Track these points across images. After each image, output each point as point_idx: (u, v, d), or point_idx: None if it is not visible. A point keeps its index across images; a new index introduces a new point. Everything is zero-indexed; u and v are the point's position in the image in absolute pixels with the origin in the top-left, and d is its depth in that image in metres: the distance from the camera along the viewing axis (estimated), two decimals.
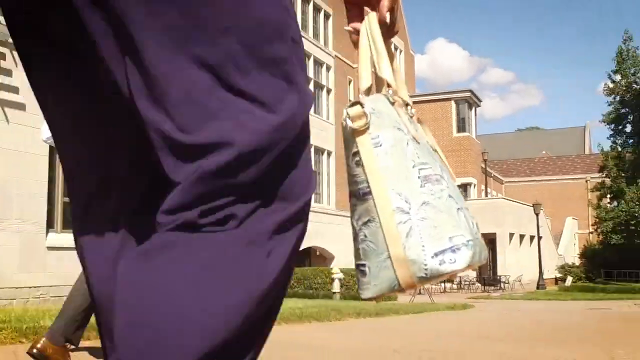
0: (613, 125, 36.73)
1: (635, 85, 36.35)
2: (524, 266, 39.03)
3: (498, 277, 32.38)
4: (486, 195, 41.18)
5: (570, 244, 50.13)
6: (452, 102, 38.73)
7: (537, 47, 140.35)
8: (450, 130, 38.85)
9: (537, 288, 30.15)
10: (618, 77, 36.59)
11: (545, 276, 38.37)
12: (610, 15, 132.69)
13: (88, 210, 0.98)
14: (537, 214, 32.60)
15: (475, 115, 40.47)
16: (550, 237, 45.50)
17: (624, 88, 36.30)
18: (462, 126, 39.01)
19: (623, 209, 33.40)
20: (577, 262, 47.48)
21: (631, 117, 36.51)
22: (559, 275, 36.82)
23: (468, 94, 38.99)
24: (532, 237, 42.04)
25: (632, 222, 33.18)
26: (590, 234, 51.85)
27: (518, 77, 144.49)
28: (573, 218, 50.89)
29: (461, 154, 38.53)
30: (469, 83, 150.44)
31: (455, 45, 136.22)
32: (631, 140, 36.32)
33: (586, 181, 55.31)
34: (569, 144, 70.58)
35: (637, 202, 32.74)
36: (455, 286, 29.82)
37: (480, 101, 40.89)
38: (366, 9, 1.03)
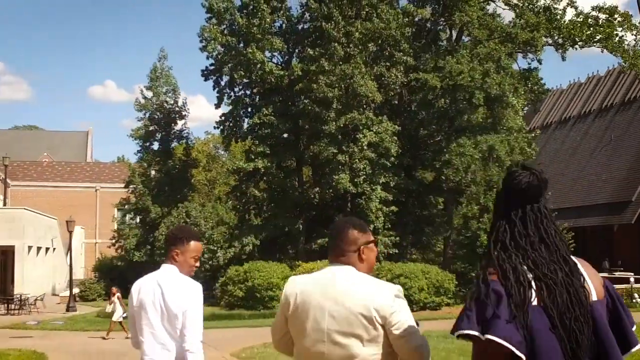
0: (142, 141, 36.54)
1: (165, 105, 37.11)
2: (42, 283, 36.06)
3: (18, 297, 28.63)
4: (4, 204, 36.75)
5: (78, 254, 48.60)
6: None
7: (32, 40, 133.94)
8: None
9: (67, 310, 27.81)
10: (150, 94, 36.85)
11: (62, 293, 36.01)
12: (93, 22, 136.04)
13: None
14: (70, 232, 30.34)
15: None
16: (62, 248, 43.29)
17: (155, 105, 36.68)
18: None
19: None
20: (84, 273, 46.20)
21: (159, 135, 37.00)
22: (77, 291, 34.78)
23: None
24: (47, 249, 39.25)
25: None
26: (97, 244, 51.20)
27: (8, 69, 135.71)
28: (82, 227, 49.53)
29: None
30: None
31: None
32: (158, 159, 36.74)
33: (96, 190, 54.63)
34: (71, 148, 68.80)
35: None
36: None
37: None
38: None
